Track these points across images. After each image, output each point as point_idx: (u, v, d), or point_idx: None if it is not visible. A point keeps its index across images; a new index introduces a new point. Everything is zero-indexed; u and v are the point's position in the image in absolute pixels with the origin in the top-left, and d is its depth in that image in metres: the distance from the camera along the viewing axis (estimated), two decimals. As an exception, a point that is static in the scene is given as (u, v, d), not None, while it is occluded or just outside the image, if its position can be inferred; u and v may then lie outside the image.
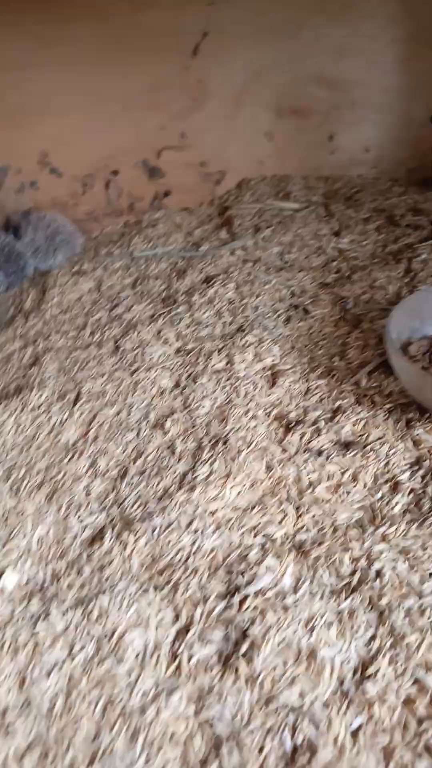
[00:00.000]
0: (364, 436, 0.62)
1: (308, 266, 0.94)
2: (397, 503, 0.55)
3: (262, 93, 1.08)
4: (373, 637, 0.44)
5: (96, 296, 0.94)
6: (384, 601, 0.46)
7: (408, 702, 0.41)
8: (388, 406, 0.65)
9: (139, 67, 1.03)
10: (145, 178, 1.14)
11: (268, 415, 0.66)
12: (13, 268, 1.02)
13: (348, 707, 0.41)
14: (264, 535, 0.53)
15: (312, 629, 0.45)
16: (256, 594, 0.47)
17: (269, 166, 1.17)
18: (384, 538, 0.52)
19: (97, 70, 1.03)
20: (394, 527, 0.53)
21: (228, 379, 0.72)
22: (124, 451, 0.64)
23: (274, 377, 0.72)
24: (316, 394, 0.69)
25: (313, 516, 0.55)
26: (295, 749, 0.39)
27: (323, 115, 1.11)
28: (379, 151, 1.15)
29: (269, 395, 0.69)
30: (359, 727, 0.40)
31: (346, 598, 0.47)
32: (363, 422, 0.63)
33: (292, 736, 0.40)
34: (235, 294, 0.88)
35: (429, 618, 0.45)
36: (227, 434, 0.64)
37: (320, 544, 0.52)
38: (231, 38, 1.02)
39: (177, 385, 0.72)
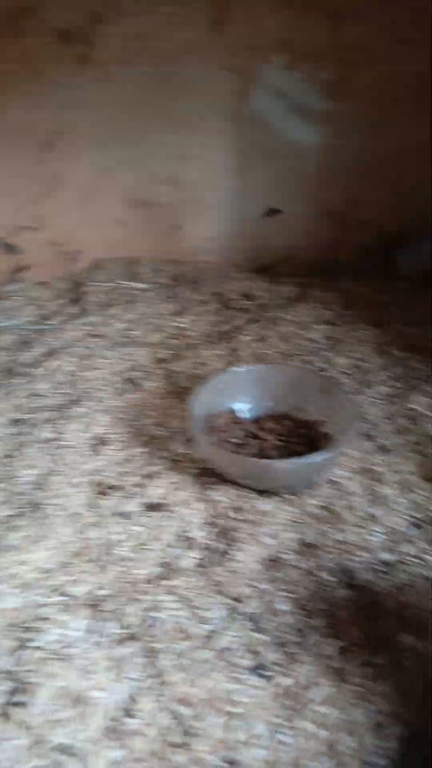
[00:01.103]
0: (170, 499, 0.70)
1: (148, 343, 1.03)
2: (189, 558, 0.63)
3: (112, 187, 1.19)
4: (141, 679, 0.50)
5: None
6: (158, 646, 0.53)
7: (164, 734, 0.47)
8: (194, 471, 0.74)
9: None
10: (1, 253, 1.21)
11: (88, 482, 0.73)
12: None
13: (111, 742, 0.46)
14: (64, 594, 0.58)
15: (89, 676, 0.50)
16: (43, 647, 0.52)
17: (122, 249, 1.27)
18: (172, 589, 0.59)
19: None
20: (183, 579, 0.60)
21: (55, 449, 0.78)
22: None
23: (99, 446, 0.79)
24: (135, 461, 0.76)
25: (114, 574, 0.61)
26: (61, 786, 0.44)
27: (169, 208, 1.24)
28: (221, 241, 1.30)
29: (92, 463, 0.76)
30: (120, 760, 0.45)
31: (125, 646, 0.53)
32: (172, 486, 0.72)
33: (59, 774, 0.45)
34: (76, 367, 0.95)
35: (190, 657, 0.52)
36: (44, 502, 0.69)
37: (114, 598, 0.58)
38: (83, 139, 1.13)
39: (6, 455, 0.77)
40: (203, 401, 0.76)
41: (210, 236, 1.30)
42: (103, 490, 0.72)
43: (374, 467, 0.74)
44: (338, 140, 1.20)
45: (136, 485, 0.72)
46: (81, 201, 1.20)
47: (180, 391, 0.91)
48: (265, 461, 0.67)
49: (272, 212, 1.26)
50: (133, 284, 1.21)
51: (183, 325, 1.09)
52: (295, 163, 1.22)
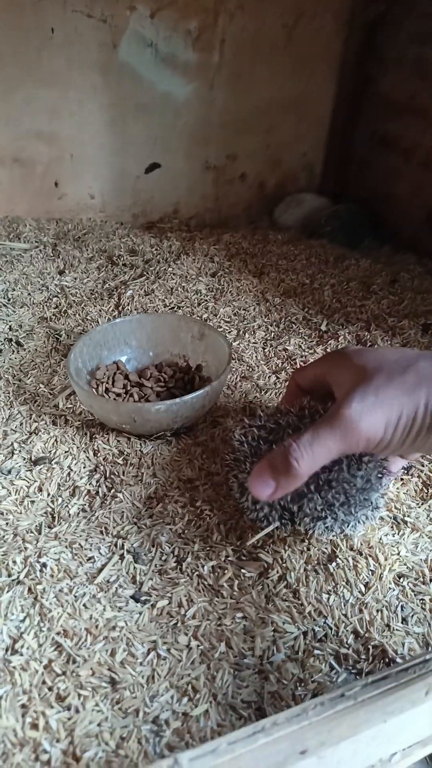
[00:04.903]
0: (53, 452, 0.71)
1: (30, 302, 1.01)
2: (73, 505, 0.65)
3: (-16, 145, 1.14)
4: (23, 619, 0.52)
5: None
6: (40, 587, 0.55)
7: (48, 665, 0.49)
8: (77, 423, 0.75)
9: None
10: None
11: (-33, 443, 0.72)
12: None
13: (-5, 681, 0.48)
14: None
15: (-30, 623, 0.51)
16: None
17: (0, 209, 1.23)
18: (56, 536, 0.61)
19: None
20: (67, 525, 0.62)
21: None
22: None
23: (-22, 407, 0.78)
24: (17, 419, 0.76)
25: (-3, 528, 0.62)
26: None
27: (46, 165, 1.21)
28: (103, 198, 1.29)
29: (-29, 425, 0.75)
30: (4, 694, 0.47)
31: (8, 591, 0.54)
32: (53, 440, 0.72)
33: None
34: None
35: (73, 593, 0.54)
36: None
37: (-2, 550, 0.59)
38: None
39: None
40: (83, 355, 0.77)
41: (91, 193, 1.28)
42: (-16, 449, 0.71)
43: (251, 405, 0.78)
44: (209, 93, 1.21)
45: (18, 442, 0.72)
46: None
47: (64, 349, 0.91)
48: (138, 404, 0.69)
49: (151, 167, 1.26)
50: (14, 244, 1.17)
51: (67, 284, 1.08)
52: (171, 118, 1.22)
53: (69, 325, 0.96)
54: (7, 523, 0.62)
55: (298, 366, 0.85)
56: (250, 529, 0.60)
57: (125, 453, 0.70)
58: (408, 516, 0.63)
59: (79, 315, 0.98)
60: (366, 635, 0.52)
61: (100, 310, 0.99)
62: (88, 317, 0.98)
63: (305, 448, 0.45)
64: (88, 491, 0.66)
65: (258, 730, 0.37)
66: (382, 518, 0.62)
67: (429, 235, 1.23)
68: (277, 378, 0.83)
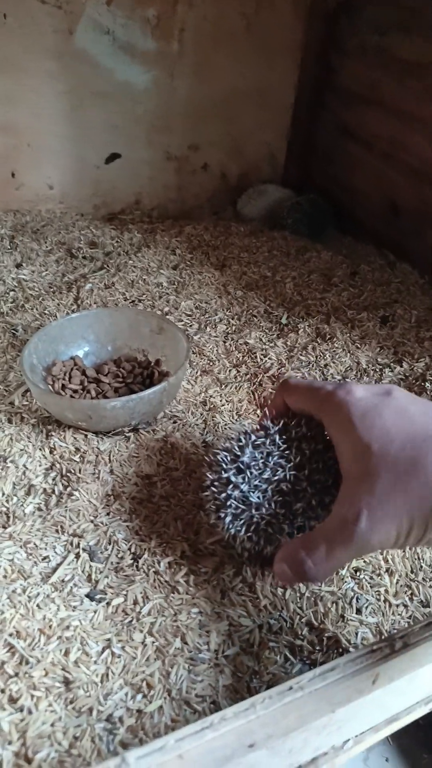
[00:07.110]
0: (8, 450, 0.70)
1: (-15, 297, 0.99)
2: (29, 504, 0.64)
3: None
4: (-25, 621, 0.51)
5: None
6: (-8, 589, 0.54)
7: (0, 667, 0.49)
8: (33, 420, 0.74)
9: None
10: None
11: None
12: None
13: None
14: None
15: None
16: None
17: None
18: (11, 536, 0.60)
19: None
20: (22, 525, 0.61)
21: None
22: None
23: None
24: (-29, 418, 0.75)
25: None
26: None
27: (1, 155, 1.18)
28: (63, 188, 1.26)
29: None
30: None
31: (-41, 594, 0.53)
32: (8, 438, 0.71)
33: None
34: None
35: (27, 594, 0.53)
36: None
37: None
38: None
39: None
40: (38, 351, 0.75)
41: (50, 183, 1.25)
42: None
43: (211, 399, 0.78)
44: (170, 82, 1.19)
45: (-28, 441, 0.71)
46: None
47: (20, 344, 0.89)
48: (93, 401, 0.68)
49: (111, 157, 1.24)
50: (-31, 237, 1.14)
51: (25, 277, 1.06)
52: (130, 106, 1.20)
53: (26, 320, 0.94)
54: (-40, 525, 0.61)
55: (259, 359, 0.85)
56: (207, 524, 0.60)
57: (82, 450, 0.69)
58: (363, 507, 0.64)
59: (36, 309, 0.96)
60: (320, 626, 0.53)
61: (58, 304, 0.98)
62: (46, 311, 0.96)
63: (321, 564, 0.45)
64: (44, 489, 0.65)
65: (206, 726, 0.37)
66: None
67: (389, 226, 1.25)
68: (238, 371, 0.83)
